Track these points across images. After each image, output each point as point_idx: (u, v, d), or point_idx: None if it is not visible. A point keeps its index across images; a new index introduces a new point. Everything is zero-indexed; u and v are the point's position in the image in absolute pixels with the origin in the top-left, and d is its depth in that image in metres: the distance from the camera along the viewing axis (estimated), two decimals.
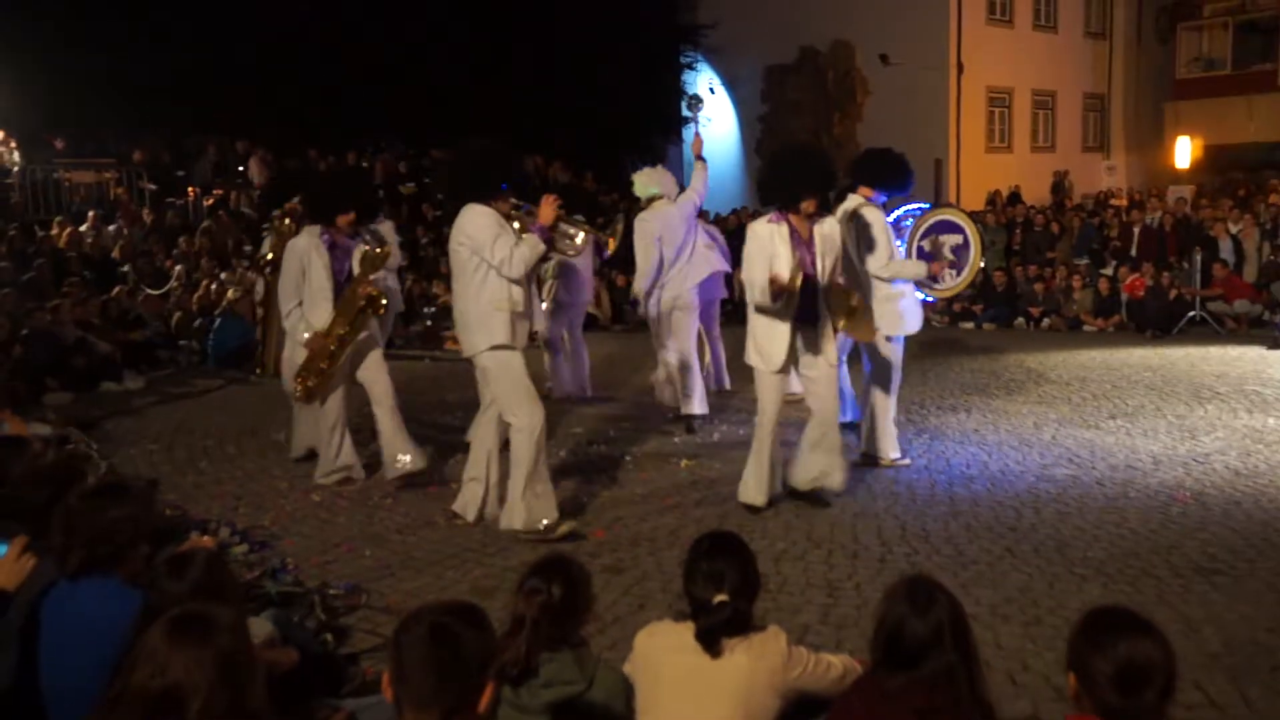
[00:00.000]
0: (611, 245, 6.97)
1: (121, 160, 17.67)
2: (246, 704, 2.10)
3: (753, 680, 2.77)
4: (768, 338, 5.76)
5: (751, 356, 5.85)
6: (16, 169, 16.70)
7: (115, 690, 2.10)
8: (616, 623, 4.46)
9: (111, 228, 15.39)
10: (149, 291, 12.76)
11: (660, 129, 27.10)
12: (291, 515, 6.17)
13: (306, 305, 6.43)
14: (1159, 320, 13.33)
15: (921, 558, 5.24)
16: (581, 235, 6.10)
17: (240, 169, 18.50)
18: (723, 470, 6.91)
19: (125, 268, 13.84)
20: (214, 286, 12.94)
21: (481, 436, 5.82)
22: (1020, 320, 14.54)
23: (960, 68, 23.79)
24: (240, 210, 16.74)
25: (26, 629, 2.90)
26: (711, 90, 27.93)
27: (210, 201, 17.23)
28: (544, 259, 6.13)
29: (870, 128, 24.74)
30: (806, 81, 25.74)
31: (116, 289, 12.44)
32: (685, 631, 2.80)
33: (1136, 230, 15.95)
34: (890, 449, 6.90)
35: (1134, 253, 15.39)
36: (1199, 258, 13.78)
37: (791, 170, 5.77)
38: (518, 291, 5.43)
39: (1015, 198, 21.02)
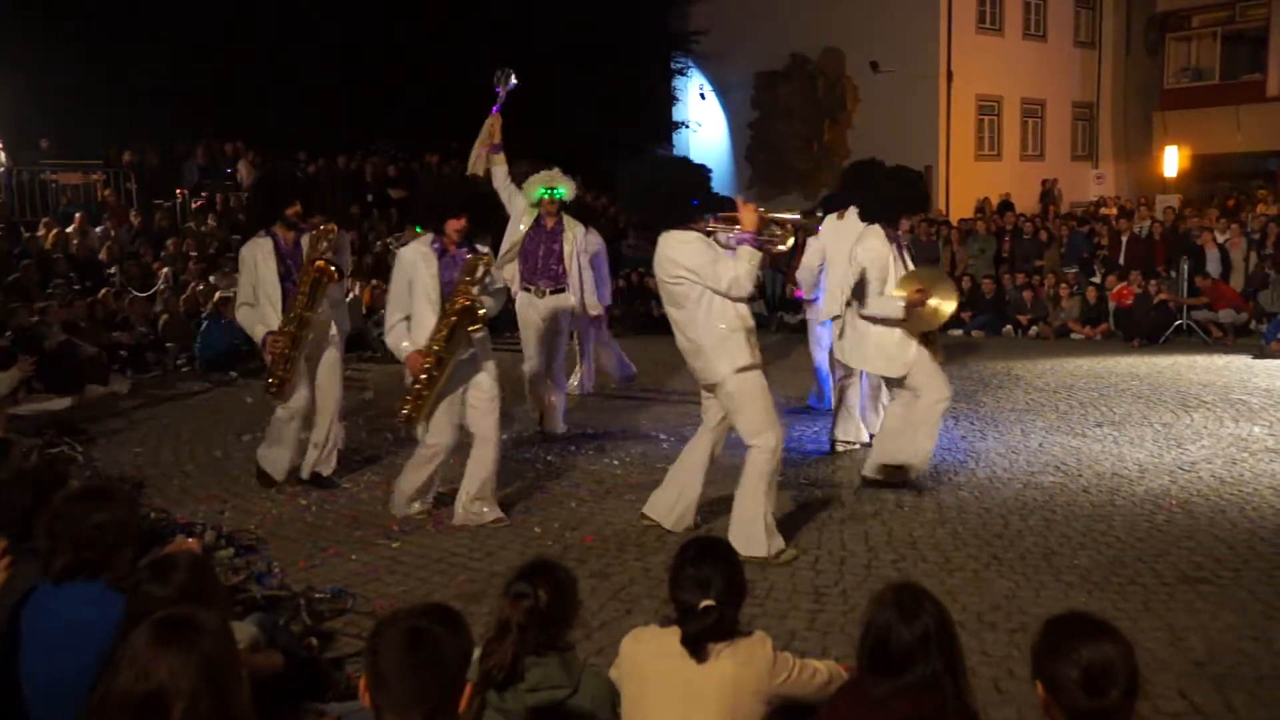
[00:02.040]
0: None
1: (109, 162, 17.60)
2: (230, 709, 2.09)
3: (738, 686, 2.77)
4: (898, 346, 6.25)
5: (874, 363, 6.34)
6: (2, 170, 16.62)
7: (98, 695, 2.09)
8: (603, 628, 4.45)
9: (98, 229, 15.34)
10: (136, 294, 12.71)
11: (651, 135, 27.13)
12: (278, 519, 6.14)
13: (415, 318, 5.86)
14: (1146, 329, 13.40)
15: (908, 564, 5.25)
16: (783, 233, 5.58)
17: (229, 171, 18.46)
18: (710, 477, 6.90)
19: (112, 270, 13.79)
20: (201, 289, 12.90)
21: (697, 451, 5.65)
22: (1008, 328, 14.59)
23: (950, 76, 23.87)
24: (230, 211, 16.70)
25: (8, 634, 2.88)
26: (702, 96, 28.00)
27: (199, 204, 17.19)
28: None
29: (860, 135, 24.79)
30: (797, 88, 25.79)
31: (103, 291, 12.40)
32: (671, 637, 2.80)
33: (1124, 239, 16.03)
34: (844, 432, 7.54)
35: (1122, 261, 15.46)
36: (1186, 267, 13.86)
37: (901, 190, 6.48)
38: (744, 308, 5.29)
39: (1004, 206, 21.09)
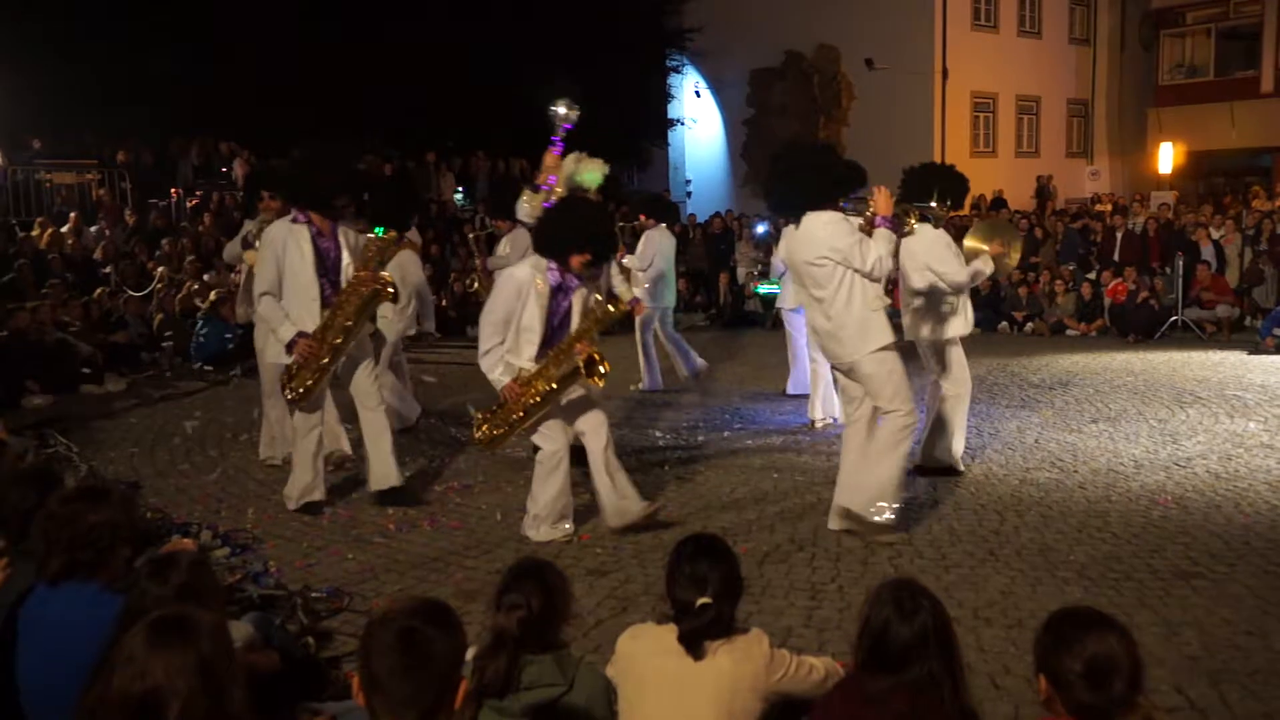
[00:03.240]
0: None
1: (104, 161, 17.56)
2: (227, 708, 2.08)
3: (735, 683, 2.77)
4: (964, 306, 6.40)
5: (956, 328, 6.24)
6: None
7: (94, 694, 2.08)
8: (600, 626, 4.45)
9: (93, 229, 15.31)
10: (131, 293, 12.69)
11: (647, 132, 27.11)
12: (274, 518, 6.14)
13: (510, 343, 5.51)
14: (1141, 325, 13.42)
15: (905, 560, 5.26)
16: (909, 218, 5.63)
17: (224, 170, 18.42)
18: (706, 474, 6.93)
19: (107, 269, 13.76)
20: (197, 288, 12.88)
21: (854, 438, 5.63)
22: (1004, 324, 14.61)
23: (945, 73, 23.89)
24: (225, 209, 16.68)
25: (4, 635, 2.87)
26: (698, 93, 27.99)
27: (194, 203, 17.16)
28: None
29: (855, 132, 24.81)
30: (792, 85, 25.80)
31: (98, 290, 12.38)
32: (668, 634, 2.80)
33: (1119, 235, 16.06)
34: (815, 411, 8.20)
35: (1117, 258, 15.49)
36: (1181, 263, 13.88)
37: (960, 183, 6.39)
38: (879, 288, 5.39)
39: (999, 202, 21.12)
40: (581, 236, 5.43)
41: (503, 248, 7.92)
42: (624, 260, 9.78)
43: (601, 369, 5.35)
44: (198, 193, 17.51)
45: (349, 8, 21.03)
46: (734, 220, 18.99)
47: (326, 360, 5.88)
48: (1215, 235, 15.18)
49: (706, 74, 27.64)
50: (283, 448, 7.08)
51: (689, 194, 26.94)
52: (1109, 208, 19.19)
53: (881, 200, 5.33)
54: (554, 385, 5.43)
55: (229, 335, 11.68)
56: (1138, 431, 7.94)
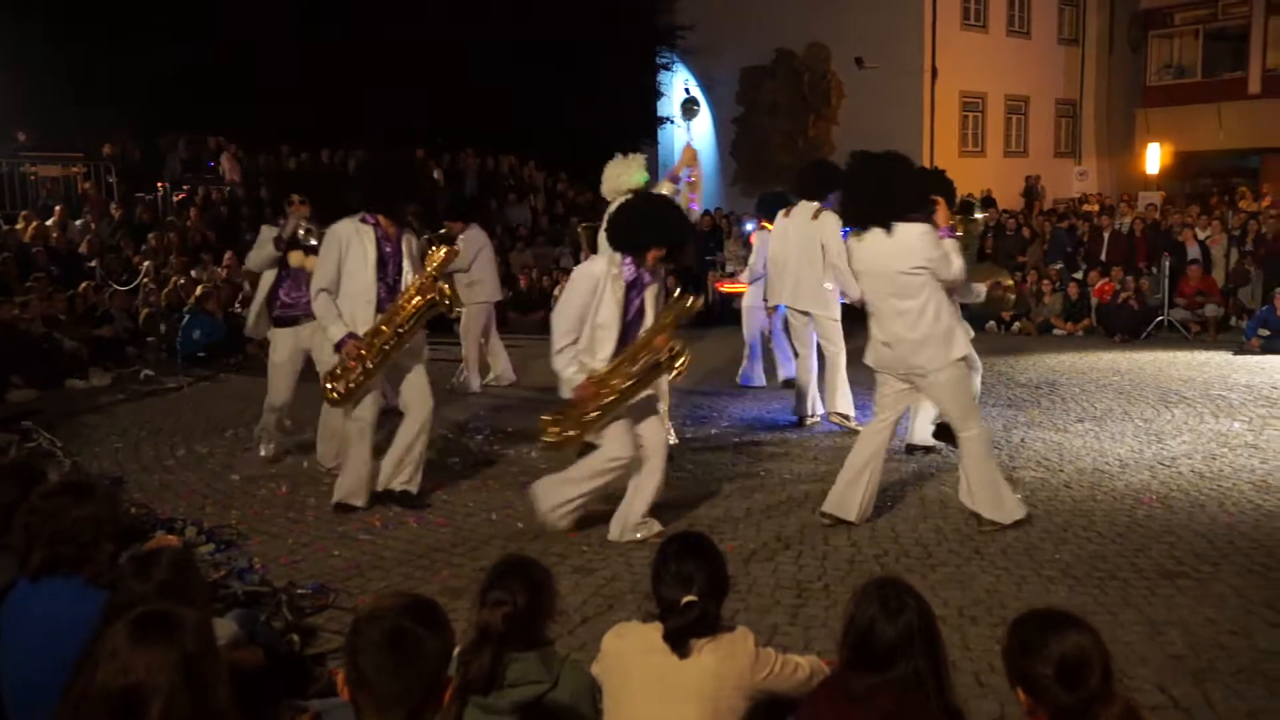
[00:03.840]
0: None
1: (89, 155, 17.47)
2: (210, 705, 2.07)
3: (720, 681, 2.77)
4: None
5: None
6: None
7: (76, 691, 2.07)
8: (586, 623, 4.44)
9: (79, 222, 15.22)
10: (116, 287, 12.63)
11: (637, 130, 27.09)
12: (259, 514, 6.11)
13: (585, 341, 5.39)
14: (1128, 325, 13.48)
15: (891, 559, 5.27)
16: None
17: (211, 165, 18.34)
18: (692, 472, 6.93)
19: (93, 263, 13.68)
20: (183, 283, 12.82)
21: (872, 439, 5.75)
22: (991, 323, 14.65)
23: (934, 72, 23.94)
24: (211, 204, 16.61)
25: None
26: (687, 91, 27.98)
27: (180, 197, 17.08)
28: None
29: (845, 131, 24.84)
30: (782, 84, 25.81)
31: (83, 285, 12.30)
32: (653, 632, 2.80)
33: (1107, 235, 16.12)
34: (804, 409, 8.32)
35: (1104, 258, 15.55)
36: (1167, 263, 13.95)
37: (951, 186, 6.46)
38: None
39: (987, 201, 21.16)
40: (661, 232, 5.39)
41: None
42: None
43: (682, 361, 5.36)
44: (185, 187, 17.42)
45: (342, 5, 20.96)
46: (723, 218, 18.99)
47: (372, 365, 5.76)
48: (1201, 236, 15.26)
49: (697, 72, 27.64)
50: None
51: (678, 191, 26.93)
52: (1096, 208, 19.25)
53: (942, 213, 5.57)
54: (632, 381, 5.33)
55: (214, 330, 11.64)
56: (1123, 431, 7.97)
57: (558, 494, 5.57)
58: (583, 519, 5.91)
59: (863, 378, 8.76)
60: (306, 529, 5.85)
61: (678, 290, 5.62)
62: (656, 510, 5.66)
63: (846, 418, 7.98)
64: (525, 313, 14.81)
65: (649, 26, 27.01)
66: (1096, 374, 10.62)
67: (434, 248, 5.99)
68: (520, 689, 2.66)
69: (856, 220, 5.65)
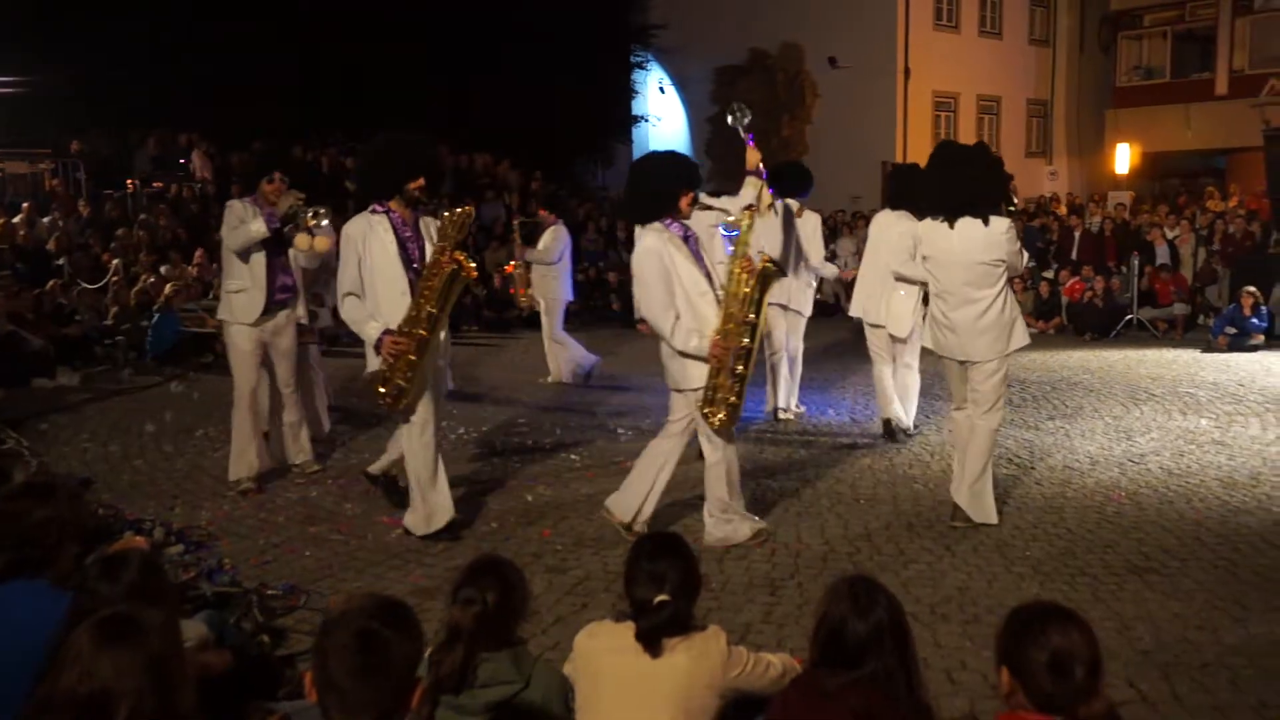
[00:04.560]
0: None
1: (57, 151, 17.24)
2: (176, 708, 2.05)
3: (692, 680, 2.77)
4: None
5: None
6: None
7: (41, 695, 2.05)
8: (559, 623, 4.44)
9: (46, 220, 15.02)
10: (85, 285, 12.48)
11: (611, 128, 27.08)
12: (229, 514, 6.06)
13: (686, 313, 5.22)
14: (1098, 323, 13.62)
15: (863, 557, 5.29)
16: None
17: (182, 161, 18.15)
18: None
19: (61, 261, 13.52)
20: (153, 281, 12.69)
21: (977, 436, 5.74)
22: None
23: (907, 72, 24.07)
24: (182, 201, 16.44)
25: None
26: (662, 90, 27.99)
27: (151, 193, 16.90)
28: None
29: (819, 130, 24.95)
30: (756, 83, 25.84)
31: (51, 283, 12.15)
32: (626, 632, 2.79)
33: (1077, 234, 16.26)
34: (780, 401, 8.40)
35: (1075, 257, 15.68)
36: (1137, 262, 14.09)
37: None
38: None
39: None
40: (683, 174, 5.33)
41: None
42: (527, 256, 9.99)
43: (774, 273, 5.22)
44: (155, 184, 17.23)
45: (314, 2, 20.81)
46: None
47: (415, 356, 5.35)
48: (1170, 235, 15.42)
49: (671, 71, 27.65)
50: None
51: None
52: (1064, 209, 19.41)
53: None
54: (751, 317, 5.17)
55: (184, 329, 11.53)
56: (1093, 428, 8.05)
57: (720, 509, 5.44)
58: (557, 519, 5.91)
59: (825, 373, 8.82)
60: (277, 529, 5.81)
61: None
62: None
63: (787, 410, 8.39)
64: (500, 311, 14.76)
65: (622, 25, 26.99)
66: (1067, 372, 10.71)
67: (446, 214, 5.50)
68: (492, 689, 2.65)
69: (950, 210, 5.62)
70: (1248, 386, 9.70)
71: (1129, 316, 13.76)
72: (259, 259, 6.37)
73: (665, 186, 5.28)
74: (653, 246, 5.20)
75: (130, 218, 15.72)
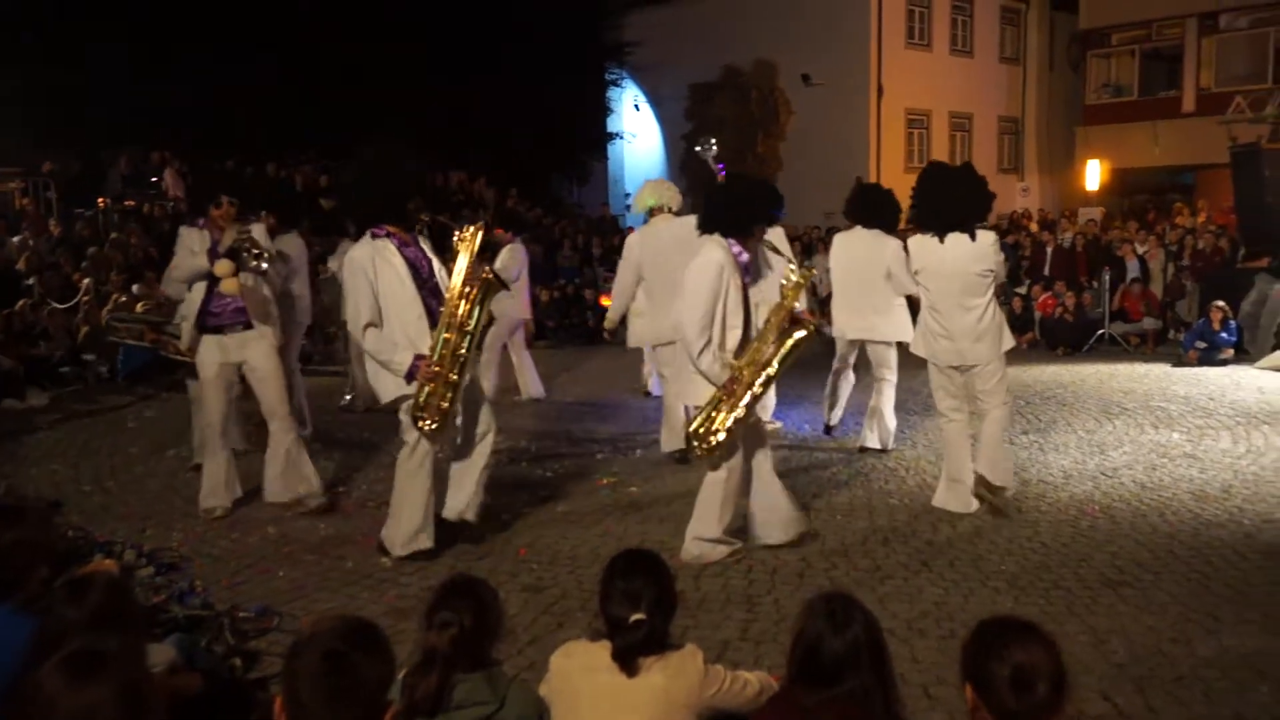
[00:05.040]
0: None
1: (28, 170, 17.09)
2: None
3: (669, 699, 2.75)
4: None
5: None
6: None
7: None
8: (535, 642, 4.40)
9: (16, 239, 14.86)
10: (55, 305, 12.34)
11: (586, 145, 27.15)
12: (201, 536, 5.99)
13: (722, 331, 5.19)
14: (1070, 338, 13.73)
15: (840, 572, 5.29)
16: None
17: (154, 180, 18.03)
18: (643, 488, 6.91)
19: (30, 280, 13.37)
20: (124, 300, 12.56)
21: (993, 422, 6.23)
22: None
23: (880, 89, 24.30)
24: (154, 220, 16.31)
25: None
26: (637, 107, 28.11)
27: (122, 211, 16.76)
28: None
29: (793, 147, 25.12)
30: (730, 100, 26.03)
31: (20, 303, 12.01)
32: (601, 651, 2.78)
33: (1049, 250, 16.41)
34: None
35: (1047, 272, 15.82)
36: (1108, 277, 14.23)
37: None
38: None
39: None
40: (776, 205, 5.46)
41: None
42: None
43: (805, 334, 5.18)
44: (127, 203, 17.10)
45: (284, 16, 20.77)
46: None
47: (455, 376, 5.25)
48: (1140, 251, 15.59)
49: (646, 88, 27.78)
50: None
51: (628, 207, 27.06)
52: (1035, 226, 19.59)
53: None
54: (776, 365, 5.15)
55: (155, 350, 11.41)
56: (1067, 442, 8.10)
57: (706, 531, 5.41)
58: (532, 537, 5.88)
59: (799, 387, 8.82)
60: (250, 550, 5.75)
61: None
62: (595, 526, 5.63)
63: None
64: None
65: (598, 43, 27.10)
66: (1040, 386, 10.79)
67: (459, 234, 5.37)
68: (467, 710, 2.62)
69: (942, 226, 6.01)
70: (1218, 400, 9.79)
71: (1101, 331, 13.88)
72: (201, 287, 6.21)
73: (759, 210, 5.34)
74: (719, 260, 5.13)
75: (102, 237, 15.58)
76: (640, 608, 2.75)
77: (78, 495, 6.93)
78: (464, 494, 5.74)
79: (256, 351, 6.28)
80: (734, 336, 5.19)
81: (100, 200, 16.96)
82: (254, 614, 4.65)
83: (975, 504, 6.22)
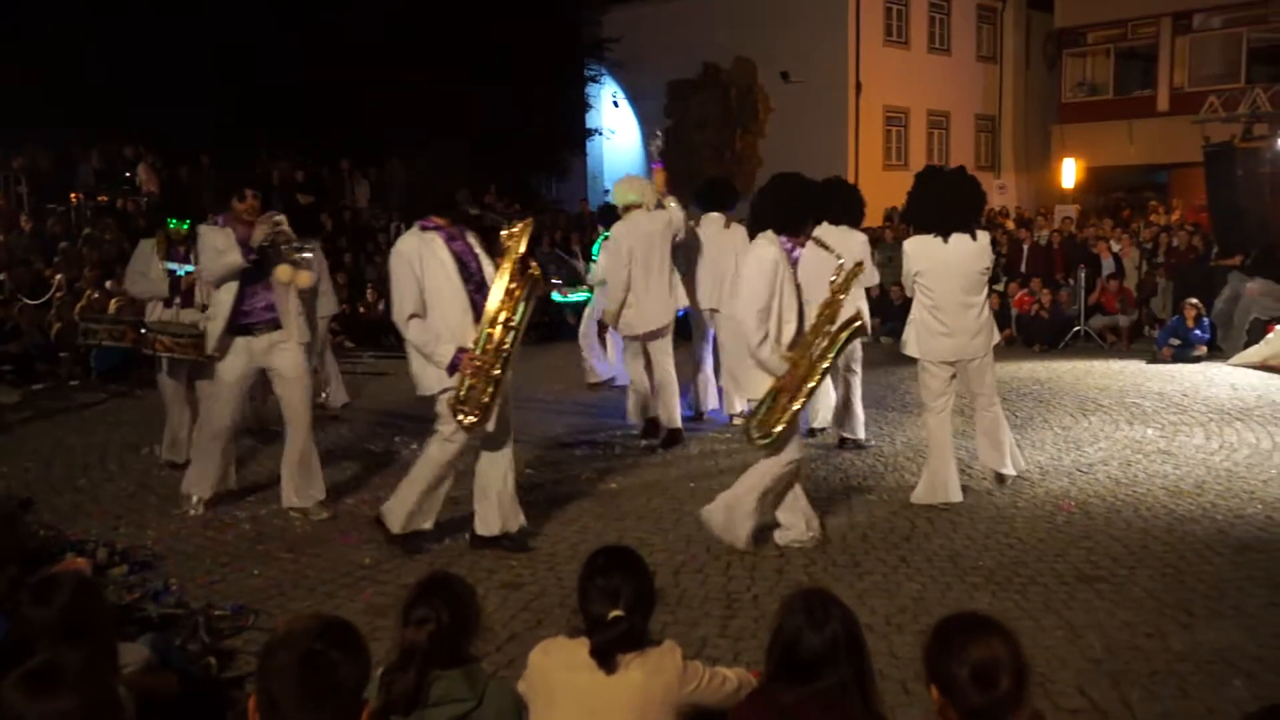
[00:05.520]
0: None
1: None
2: None
3: (648, 696, 2.74)
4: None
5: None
6: None
7: None
8: (514, 639, 4.39)
9: None
10: (26, 301, 12.19)
11: (565, 142, 27.07)
12: (175, 534, 5.93)
13: (772, 330, 5.28)
14: (1046, 335, 13.83)
15: (819, 569, 5.30)
16: None
17: (127, 175, 17.85)
18: (623, 484, 6.90)
19: (1, 276, 13.20)
20: (97, 296, 12.43)
21: (996, 419, 6.63)
22: None
23: (859, 87, 24.36)
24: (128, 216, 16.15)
25: None
26: (615, 104, 28.05)
27: (94, 206, 16.59)
28: None
29: (772, 144, 25.14)
30: (709, 97, 26.03)
31: None
32: (580, 648, 2.77)
33: (1026, 248, 16.51)
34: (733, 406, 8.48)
35: (1023, 269, 15.91)
36: (1083, 274, 14.33)
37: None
38: None
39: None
40: (821, 202, 5.73)
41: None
42: None
43: (861, 324, 5.46)
44: (99, 198, 16.92)
45: (258, 11, 20.60)
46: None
47: (498, 370, 5.21)
48: (1115, 248, 15.71)
49: (625, 85, 27.73)
50: (185, 451, 6.97)
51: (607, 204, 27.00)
52: (1012, 224, 19.70)
53: None
54: (830, 356, 5.37)
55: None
56: (1043, 439, 8.15)
57: (742, 512, 5.50)
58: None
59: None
60: (226, 548, 5.70)
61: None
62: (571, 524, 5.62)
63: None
64: None
65: (576, 39, 27.03)
66: (1017, 383, 10.84)
67: (507, 229, 5.31)
68: (444, 708, 2.61)
69: (947, 227, 6.19)
70: (1191, 397, 9.88)
71: (1077, 328, 13.98)
72: (231, 287, 5.94)
73: (813, 204, 5.61)
74: (774, 255, 5.29)
75: (74, 232, 15.42)
76: (619, 605, 2.75)
77: (49, 493, 6.85)
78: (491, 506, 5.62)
79: (284, 356, 6.08)
80: (789, 330, 5.35)
81: (73, 196, 16.78)
82: (229, 612, 4.62)
83: (958, 496, 6.31)
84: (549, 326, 14.46)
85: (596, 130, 28.10)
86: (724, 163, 25.22)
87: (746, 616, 4.67)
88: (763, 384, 5.36)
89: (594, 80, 28.05)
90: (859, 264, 5.82)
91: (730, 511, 5.50)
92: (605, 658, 2.73)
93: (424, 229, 5.34)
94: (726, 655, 4.18)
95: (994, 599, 4.83)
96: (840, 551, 5.55)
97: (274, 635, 2.07)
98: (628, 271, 7.70)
